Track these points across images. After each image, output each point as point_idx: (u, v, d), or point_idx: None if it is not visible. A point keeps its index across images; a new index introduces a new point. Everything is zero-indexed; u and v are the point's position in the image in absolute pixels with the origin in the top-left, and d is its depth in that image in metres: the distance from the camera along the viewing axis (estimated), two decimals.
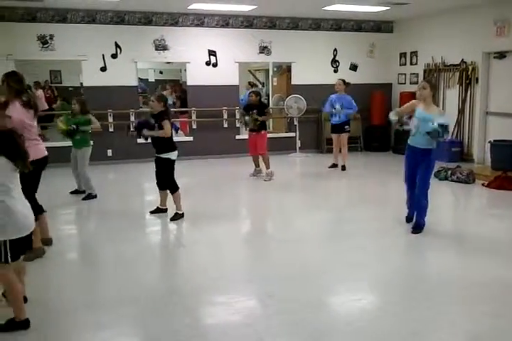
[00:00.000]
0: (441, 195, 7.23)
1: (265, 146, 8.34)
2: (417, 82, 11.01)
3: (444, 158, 9.42)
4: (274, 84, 13.45)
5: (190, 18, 10.19)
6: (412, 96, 10.80)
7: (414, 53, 11.11)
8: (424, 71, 10.78)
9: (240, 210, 6.96)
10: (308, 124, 11.18)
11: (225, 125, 10.68)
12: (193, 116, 10.50)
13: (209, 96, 10.34)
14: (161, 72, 16.93)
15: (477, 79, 9.57)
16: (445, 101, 10.35)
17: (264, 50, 10.80)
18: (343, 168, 9.06)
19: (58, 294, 3.89)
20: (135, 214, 6.30)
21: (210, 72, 10.43)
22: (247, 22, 10.58)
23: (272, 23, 10.76)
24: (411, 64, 11.23)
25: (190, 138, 10.56)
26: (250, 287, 4.00)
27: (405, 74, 11.41)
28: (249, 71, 15.03)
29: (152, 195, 6.69)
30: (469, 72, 9.66)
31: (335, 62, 11.37)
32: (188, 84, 10.54)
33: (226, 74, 10.53)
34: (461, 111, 10.01)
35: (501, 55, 9.08)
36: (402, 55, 11.43)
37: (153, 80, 16.48)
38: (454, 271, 4.27)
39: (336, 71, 11.34)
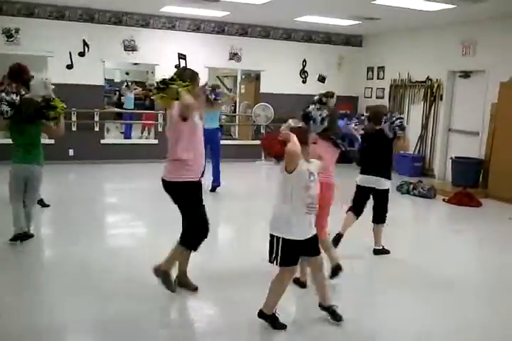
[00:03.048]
0: (403, 208, 7.34)
1: None
2: (383, 97, 11.24)
3: (406, 173, 9.61)
4: (242, 91, 13.45)
5: (162, 20, 10.08)
6: None
7: (381, 68, 11.30)
8: (391, 86, 10.97)
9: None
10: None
11: None
12: (160, 119, 10.36)
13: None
14: (127, 73, 16.69)
15: (441, 97, 9.80)
16: (409, 116, 10.55)
17: (234, 56, 10.78)
18: None
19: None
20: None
21: None
22: (219, 28, 10.55)
23: (243, 30, 10.76)
24: (378, 78, 11.41)
25: (155, 141, 10.41)
26: None
27: (372, 88, 11.58)
28: (218, 77, 14.98)
29: (113, 198, 6.54)
30: (434, 90, 9.88)
31: (304, 73, 11.45)
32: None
33: None
34: (424, 127, 10.22)
35: (466, 75, 9.33)
36: (370, 69, 11.61)
37: (119, 81, 16.23)
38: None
39: (304, 81, 11.42)
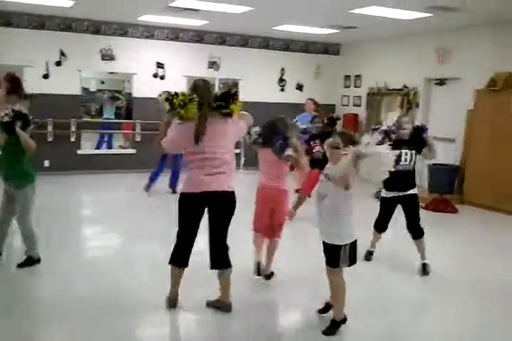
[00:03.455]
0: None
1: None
2: (360, 105, 11.36)
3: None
4: None
5: (140, 29, 10.06)
6: (355, 117, 11.25)
7: (358, 76, 11.43)
8: (368, 94, 11.10)
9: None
10: None
11: None
12: (137, 129, 10.30)
13: (155, 108, 10.16)
14: (102, 82, 16.55)
15: (418, 104, 9.95)
16: (387, 124, 10.64)
17: (213, 65, 10.81)
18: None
19: None
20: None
21: (157, 84, 10.27)
22: (198, 36, 10.57)
23: (222, 38, 10.80)
24: (355, 86, 11.54)
25: (133, 151, 10.35)
26: None
27: (349, 96, 11.70)
28: None
29: (88, 210, 6.45)
30: (411, 97, 10.03)
31: (282, 81, 11.52)
32: (134, 95, 10.37)
33: (174, 88, 10.32)
34: None
35: (441, 82, 9.50)
36: (347, 77, 11.74)
37: (95, 90, 16.08)
38: None
39: (282, 90, 11.49)
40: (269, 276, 4.50)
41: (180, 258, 3.69)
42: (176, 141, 3.60)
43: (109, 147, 11.58)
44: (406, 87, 10.12)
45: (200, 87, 3.63)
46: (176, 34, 10.38)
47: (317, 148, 6.19)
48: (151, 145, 9.85)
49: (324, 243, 3.47)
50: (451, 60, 9.14)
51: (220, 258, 3.69)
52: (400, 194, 4.88)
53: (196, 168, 3.57)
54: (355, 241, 3.45)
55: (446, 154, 9.12)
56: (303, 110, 9.26)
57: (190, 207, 3.62)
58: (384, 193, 5.00)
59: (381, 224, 5.15)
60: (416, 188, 4.97)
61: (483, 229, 6.88)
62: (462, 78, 8.89)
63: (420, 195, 8.22)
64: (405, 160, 4.75)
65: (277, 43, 11.31)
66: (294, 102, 10.81)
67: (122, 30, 9.92)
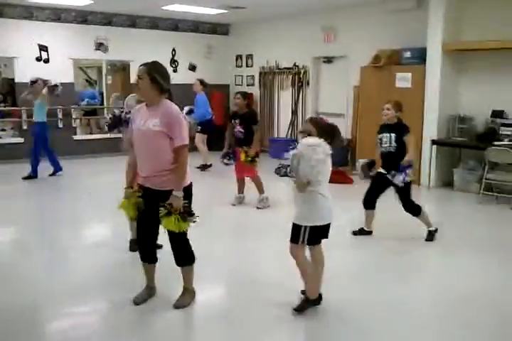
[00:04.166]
0: (281, 190, 7.66)
1: (255, 168, 6.52)
2: (253, 84, 11.53)
3: (282, 156, 9.97)
4: (109, 82, 12.99)
5: (17, 10, 9.40)
6: (249, 97, 11.38)
7: (249, 56, 11.58)
8: (260, 73, 11.30)
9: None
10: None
11: (60, 125, 10.07)
12: (24, 116, 9.70)
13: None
14: None
15: (308, 82, 10.31)
16: (279, 102, 10.97)
17: (100, 46, 10.39)
18: (205, 166, 9.17)
19: None
20: None
21: (41, 68, 9.71)
22: (81, 17, 10.09)
23: (107, 19, 10.40)
24: (247, 66, 11.69)
25: (21, 140, 9.75)
26: None
27: (242, 75, 11.84)
28: (80, 68, 14.30)
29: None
30: (301, 75, 10.37)
31: (174, 62, 11.37)
32: (17, 81, 9.71)
33: (59, 71, 9.86)
34: (294, 112, 10.70)
35: (329, 60, 9.90)
36: (239, 57, 11.85)
37: None
38: None
39: (175, 71, 11.34)
40: None
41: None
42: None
43: None
44: (296, 65, 10.43)
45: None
46: (57, 15, 9.82)
47: (238, 128, 6.37)
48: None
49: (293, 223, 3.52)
50: (336, 38, 9.54)
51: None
52: (384, 172, 5.15)
53: None
54: (319, 226, 3.48)
55: None
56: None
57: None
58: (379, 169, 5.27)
59: (366, 199, 5.34)
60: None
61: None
62: (348, 56, 9.33)
63: None
64: (385, 143, 5.09)
65: (165, 23, 11.11)
66: (187, 83, 10.72)
67: None
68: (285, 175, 8.45)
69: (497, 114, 7.31)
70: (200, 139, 9.20)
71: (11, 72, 10.18)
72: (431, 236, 5.25)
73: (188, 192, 3.44)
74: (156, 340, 3.23)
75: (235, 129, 6.43)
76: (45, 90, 8.02)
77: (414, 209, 5.21)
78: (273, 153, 10.14)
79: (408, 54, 8.01)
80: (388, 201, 5.38)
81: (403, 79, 8.05)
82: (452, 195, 7.60)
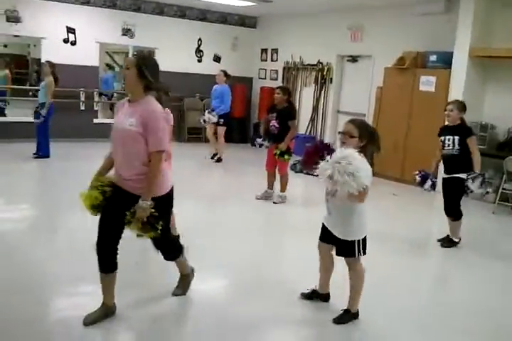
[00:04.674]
0: (297, 186, 7.66)
1: (287, 164, 6.60)
2: (276, 79, 11.49)
3: (299, 153, 9.91)
4: None
5: None
6: (272, 91, 11.36)
7: (274, 50, 11.54)
8: (284, 68, 11.26)
9: None
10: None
11: (82, 107, 10.17)
12: None
13: (66, 75, 9.69)
14: (5, 46, 15.49)
15: (331, 80, 10.25)
16: (301, 98, 10.93)
17: (127, 32, 10.45)
18: (219, 159, 9.12)
19: None
20: None
21: (67, 50, 9.81)
22: (110, 2, 10.16)
23: (136, 5, 10.45)
24: (272, 60, 11.66)
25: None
26: None
27: (266, 69, 11.81)
28: (107, 53, 14.41)
29: None
30: (324, 73, 10.31)
31: (199, 52, 11.40)
32: (43, 61, 9.79)
33: (85, 54, 9.98)
34: (315, 109, 10.65)
35: (353, 59, 9.83)
36: (264, 50, 11.82)
37: None
38: None
39: (200, 61, 11.37)
40: None
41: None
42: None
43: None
44: (320, 62, 10.38)
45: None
46: None
47: (273, 122, 6.25)
48: (63, 114, 9.50)
49: (338, 238, 3.35)
50: (362, 38, 9.46)
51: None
52: (445, 176, 5.11)
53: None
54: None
55: None
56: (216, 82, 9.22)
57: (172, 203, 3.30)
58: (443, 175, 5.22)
59: (445, 207, 5.21)
60: (464, 173, 4.95)
61: (393, 199, 7.35)
62: (373, 56, 9.25)
63: None
64: (448, 146, 4.98)
65: (194, 13, 11.12)
66: (211, 74, 10.73)
67: None
68: (300, 171, 8.55)
69: None
70: (222, 132, 9.15)
71: (39, 53, 10.29)
72: (449, 243, 5.14)
73: (165, 200, 3.13)
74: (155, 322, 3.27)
75: (270, 123, 6.33)
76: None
77: (457, 213, 5.08)
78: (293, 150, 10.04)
79: (434, 57, 7.90)
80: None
81: (427, 83, 7.96)
82: (467, 202, 7.46)
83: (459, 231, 5.15)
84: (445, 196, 5.19)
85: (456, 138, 4.92)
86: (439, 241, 5.32)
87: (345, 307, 3.45)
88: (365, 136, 3.30)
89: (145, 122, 2.92)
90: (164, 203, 3.12)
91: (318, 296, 3.69)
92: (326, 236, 3.45)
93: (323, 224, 3.48)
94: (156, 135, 2.94)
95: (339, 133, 3.44)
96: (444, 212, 5.23)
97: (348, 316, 3.43)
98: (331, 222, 3.41)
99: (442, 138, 5.04)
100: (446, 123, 5.18)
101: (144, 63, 2.99)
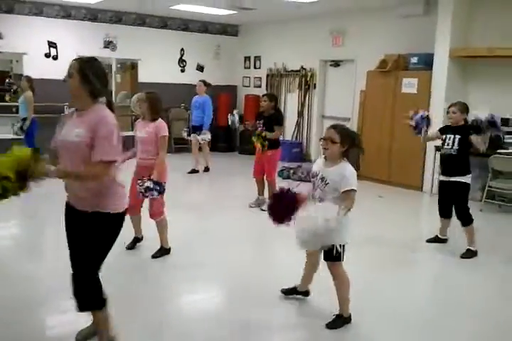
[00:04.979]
0: None
1: (274, 170, 6.64)
2: (260, 86, 11.52)
3: (286, 158, 9.98)
4: (118, 80, 13.05)
5: (27, 6, 9.47)
6: (257, 99, 11.41)
7: (257, 57, 11.59)
8: (267, 75, 11.30)
9: None
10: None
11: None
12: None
13: (49, 90, 9.66)
14: None
15: (315, 85, 10.30)
16: (286, 104, 10.97)
17: (109, 44, 10.44)
18: (207, 168, 9.10)
19: None
20: None
21: (49, 64, 9.78)
22: (91, 15, 10.15)
23: (117, 17, 10.45)
24: (255, 68, 11.70)
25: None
26: None
27: (249, 77, 11.85)
28: None
29: None
30: (308, 78, 10.36)
31: (182, 62, 11.41)
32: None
33: (67, 68, 9.92)
34: (300, 114, 10.69)
35: (336, 64, 9.89)
36: (247, 58, 11.86)
37: None
38: None
39: (183, 71, 11.38)
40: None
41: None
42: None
43: None
44: (303, 68, 10.43)
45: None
46: (67, 12, 9.88)
47: (260, 129, 6.34)
48: (47, 129, 9.45)
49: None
50: (344, 42, 9.53)
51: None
52: (445, 179, 5.02)
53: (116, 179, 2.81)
54: None
55: None
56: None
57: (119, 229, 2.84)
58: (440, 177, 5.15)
59: (440, 209, 5.20)
60: (466, 176, 4.94)
61: (376, 201, 7.37)
62: (355, 60, 9.31)
63: None
64: (447, 145, 4.92)
65: (176, 23, 11.15)
66: (195, 83, 10.73)
67: (8, 6, 9.28)
68: (287, 177, 8.56)
69: (503, 122, 7.24)
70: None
71: (21, 68, 10.23)
72: (469, 253, 4.96)
73: (108, 221, 2.72)
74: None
75: (257, 131, 6.37)
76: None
77: (466, 218, 4.97)
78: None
79: (415, 59, 7.97)
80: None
81: (409, 85, 8.02)
82: None
83: (474, 238, 5.02)
84: (442, 199, 5.16)
85: (457, 137, 4.87)
86: (428, 241, 5.34)
87: (337, 312, 3.45)
88: (347, 141, 3.32)
89: (93, 130, 2.59)
90: (106, 224, 2.72)
91: (297, 293, 3.79)
92: None
93: None
94: (102, 142, 2.58)
95: (321, 139, 3.47)
96: (439, 213, 5.22)
97: (340, 321, 3.42)
98: None
99: (443, 136, 5.00)
100: (449, 124, 5.09)
101: (88, 68, 2.68)
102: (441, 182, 5.15)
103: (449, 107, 5.03)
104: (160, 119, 4.55)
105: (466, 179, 4.93)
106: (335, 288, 3.43)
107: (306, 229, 3.10)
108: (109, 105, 2.78)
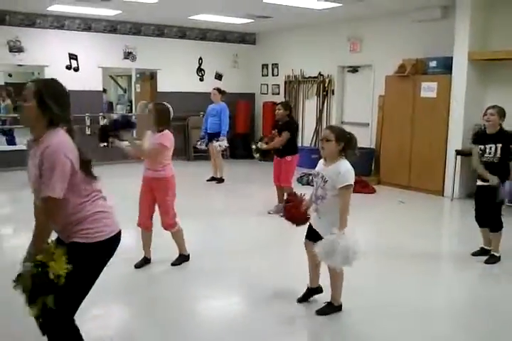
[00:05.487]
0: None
1: (291, 177, 6.62)
2: (278, 93, 11.57)
3: (305, 165, 9.96)
4: (138, 90, 13.23)
5: (49, 19, 9.67)
6: (274, 106, 11.42)
7: (275, 65, 11.64)
8: (285, 82, 11.34)
9: None
10: (175, 132, 11.06)
11: (88, 132, 10.26)
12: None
13: (70, 101, 9.80)
14: (10, 75, 15.74)
15: (333, 91, 10.30)
16: (304, 111, 10.99)
17: (129, 55, 10.60)
18: (221, 180, 8.86)
19: None
20: None
21: (71, 76, 9.94)
22: (111, 27, 10.32)
23: (136, 29, 10.61)
24: (273, 75, 11.75)
25: None
26: None
27: (267, 84, 11.90)
28: (111, 76, 14.61)
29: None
30: (326, 85, 10.37)
31: (200, 71, 11.52)
32: None
33: (88, 79, 10.13)
34: (318, 121, 10.69)
35: (354, 69, 9.89)
36: (264, 66, 11.92)
37: (3, 83, 15.27)
38: None
39: (201, 79, 11.48)
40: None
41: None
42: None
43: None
44: (321, 74, 10.44)
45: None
46: (88, 24, 10.07)
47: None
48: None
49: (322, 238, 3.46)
50: (362, 48, 9.53)
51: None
52: (483, 184, 4.89)
53: (101, 199, 2.56)
54: None
55: (362, 138, 9.53)
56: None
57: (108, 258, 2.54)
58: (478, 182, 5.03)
59: (477, 216, 5.05)
60: (505, 182, 4.84)
61: (400, 206, 7.32)
62: (373, 65, 9.31)
63: None
64: (489, 154, 4.79)
65: (194, 33, 11.28)
66: None
67: (30, 20, 9.50)
68: (307, 183, 8.57)
69: None
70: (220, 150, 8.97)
71: None
72: (492, 259, 4.89)
73: (90, 251, 2.42)
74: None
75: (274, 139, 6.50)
76: None
77: (497, 224, 4.87)
78: (299, 162, 10.03)
79: (434, 63, 7.93)
80: None
81: (428, 89, 7.98)
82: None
83: (499, 244, 4.91)
84: (479, 205, 5.01)
85: (499, 145, 4.72)
86: (473, 255, 5.07)
87: (329, 300, 3.66)
88: (342, 139, 3.47)
89: (40, 162, 2.28)
90: (81, 255, 2.38)
91: (311, 292, 3.84)
92: (312, 234, 3.63)
93: (309, 223, 3.71)
94: (49, 177, 2.25)
95: (320, 140, 3.73)
96: (476, 221, 5.06)
97: (330, 308, 3.63)
98: (317, 223, 3.62)
99: (482, 146, 4.80)
100: (486, 129, 4.88)
101: (47, 91, 2.35)
102: (478, 187, 5.00)
103: (487, 109, 4.84)
104: (166, 131, 4.49)
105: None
106: (330, 278, 3.60)
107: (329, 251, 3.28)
108: (69, 131, 2.45)
